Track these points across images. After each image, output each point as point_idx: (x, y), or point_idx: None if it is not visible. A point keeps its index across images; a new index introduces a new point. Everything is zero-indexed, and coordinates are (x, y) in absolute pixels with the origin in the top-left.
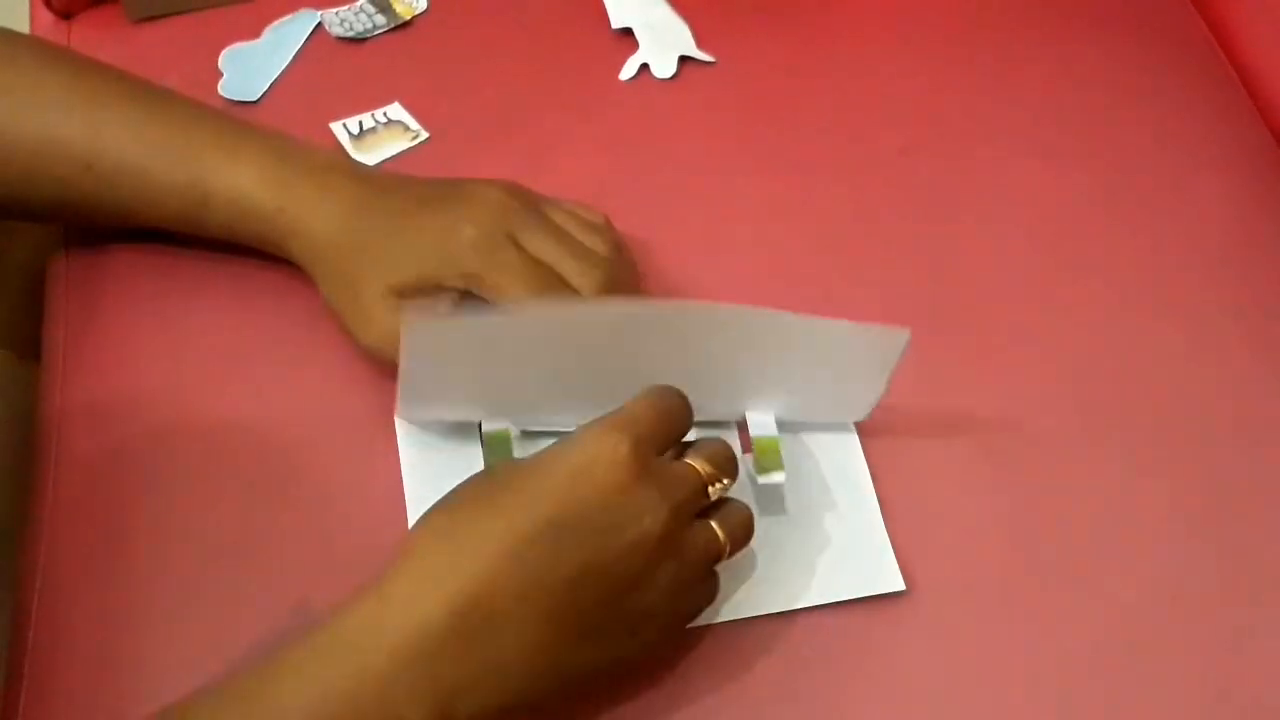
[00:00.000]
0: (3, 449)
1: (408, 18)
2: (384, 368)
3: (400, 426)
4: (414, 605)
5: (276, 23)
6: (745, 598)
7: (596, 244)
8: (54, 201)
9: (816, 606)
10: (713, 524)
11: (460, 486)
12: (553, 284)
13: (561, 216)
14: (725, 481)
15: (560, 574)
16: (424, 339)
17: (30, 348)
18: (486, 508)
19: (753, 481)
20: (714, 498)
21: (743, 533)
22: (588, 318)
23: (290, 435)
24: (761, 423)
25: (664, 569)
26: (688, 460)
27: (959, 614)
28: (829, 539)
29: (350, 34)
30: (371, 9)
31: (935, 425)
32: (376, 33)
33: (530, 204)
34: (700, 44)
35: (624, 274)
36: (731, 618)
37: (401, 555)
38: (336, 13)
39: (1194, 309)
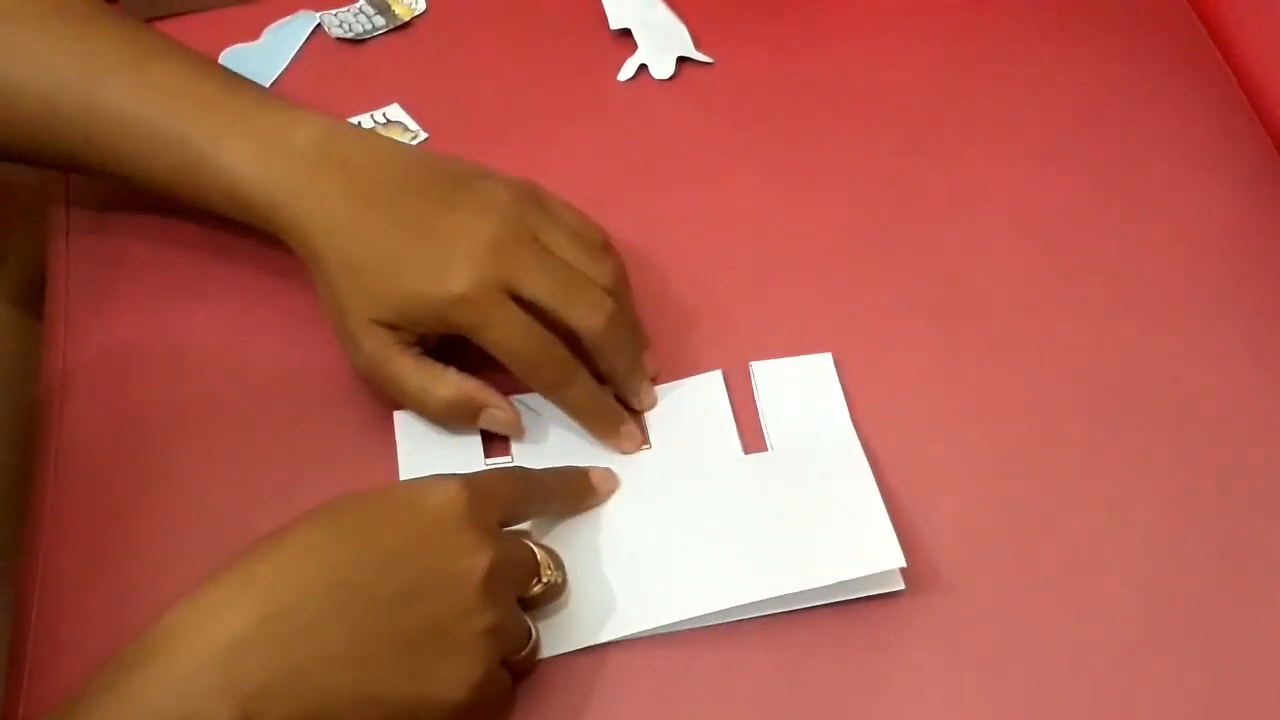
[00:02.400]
0: (10, 443)
1: (407, 19)
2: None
3: (399, 425)
4: (224, 609)
5: (276, 24)
6: (748, 582)
7: (599, 273)
8: (61, 162)
9: (816, 607)
10: (527, 619)
11: (311, 508)
12: (542, 348)
13: (563, 239)
14: (558, 577)
15: (378, 592)
16: None
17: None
18: (316, 525)
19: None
20: (543, 580)
21: (536, 653)
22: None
23: (291, 434)
24: None
25: (479, 618)
26: (528, 543)
27: (959, 612)
28: (826, 521)
29: (349, 35)
30: (370, 10)
31: (935, 425)
32: (375, 34)
33: (528, 229)
34: (699, 45)
35: (623, 303)
36: (736, 603)
37: (223, 566)
38: (335, 14)
39: (1193, 308)
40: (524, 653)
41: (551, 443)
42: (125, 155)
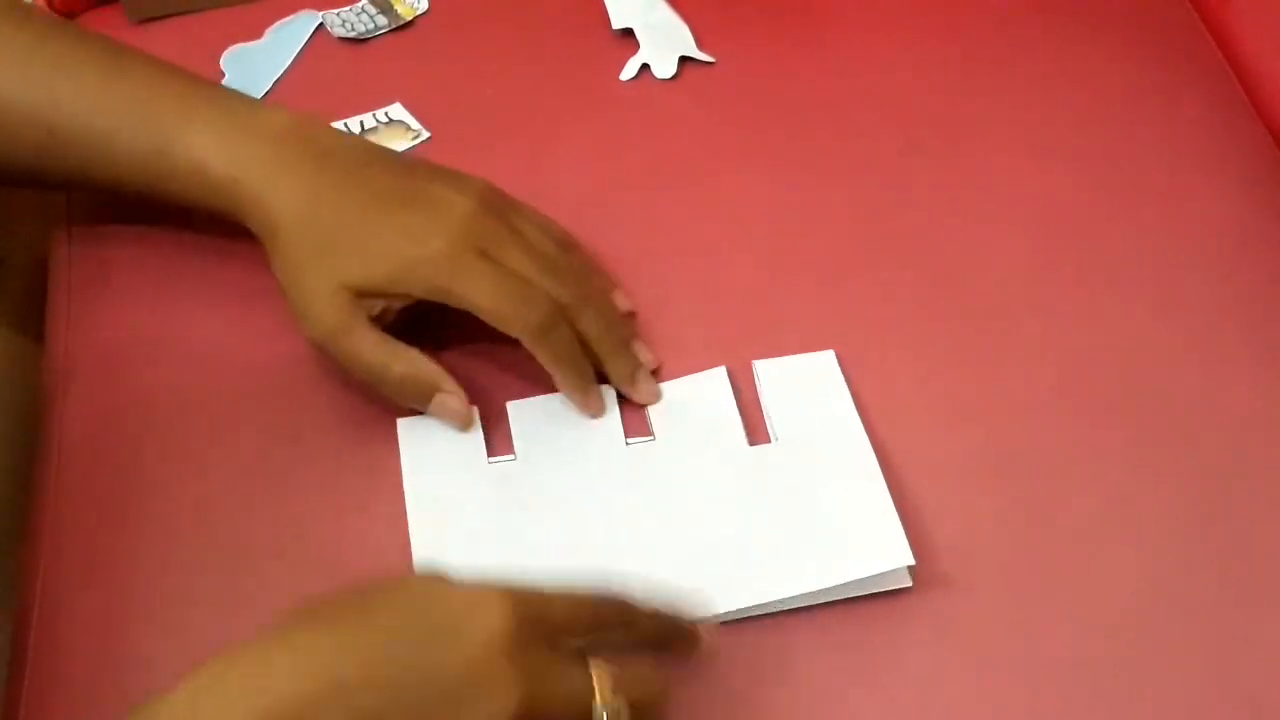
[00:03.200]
0: (10, 444)
1: (409, 18)
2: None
3: (401, 425)
4: (226, 711)
5: (278, 24)
6: (754, 583)
7: (568, 262)
8: (17, 165)
9: (818, 605)
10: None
11: (335, 593)
12: (525, 293)
13: (531, 230)
14: (621, 710)
15: (370, 703)
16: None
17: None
18: (337, 631)
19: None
20: (599, 715)
21: None
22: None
23: (291, 433)
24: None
25: None
26: (591, 663)
27: (961, 610)
28: (834, 519)
29: (352, 34)
30: (373, 10)
31: (936, 423)
32: (378, 33)
33: (501, 214)
34: (701, 44)
35: (596, 291)
36: (744, 604)
37: (233, 681)
38: (338, 13)
39: (1195, 308)
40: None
41: (560, 443)
42: (91, 148)
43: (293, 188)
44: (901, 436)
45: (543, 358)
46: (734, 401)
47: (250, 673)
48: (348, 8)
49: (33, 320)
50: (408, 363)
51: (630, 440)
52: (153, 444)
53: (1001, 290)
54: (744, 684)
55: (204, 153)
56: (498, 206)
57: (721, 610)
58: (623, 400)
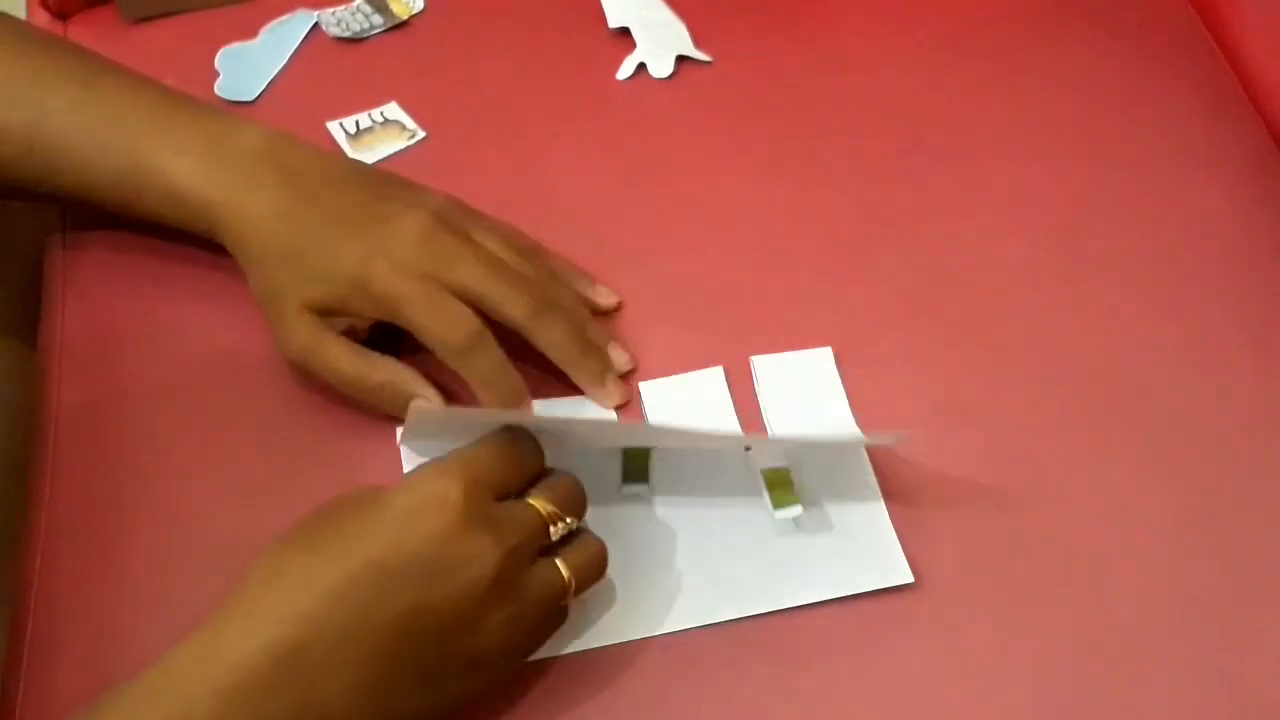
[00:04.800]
0: (7, 443)
1: (405, 17)
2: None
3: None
4: (238, 647)
5: (273, 23)
6: (751, 595)
7: (527, 268)
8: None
9: (817, 603)
10: (557, 562)
11: (300, 521)
12: (451, 315)
13: (491, 241)
14: (569, 520)
15: (384, 616)
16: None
17: (31, 333)
18: (315, 549)
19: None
20: (556, 537)
21: (593, 570)
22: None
23: (287, 432)
24: (770, 453)
25: (498, 613)
26: (529, 500)
27: (960, 611)
28: (834, 534)
29: (347, 34)
30: (368, 9)
31: (933, 423)
32: (373, 32)
33: (457, 228)
34: (698, 44)
35: (561, 297)
36: (738, 615)
37: (231, 594)
38: (333, 12)
39: (1193, 307)
40: (569, 597)
41: (554, 446)
42: (68, 164)
43: (262, 208)
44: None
45: (467, 378)
46: (730, 402)
47: (207, 647)
48: (343, 7)
49: (29, 324)
50: (383, 371)
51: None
52: (148, 443)
53: (999, 289)
54: (742, 686)
55: (178, 175)
56: (454, 221)
57: (715, 619)
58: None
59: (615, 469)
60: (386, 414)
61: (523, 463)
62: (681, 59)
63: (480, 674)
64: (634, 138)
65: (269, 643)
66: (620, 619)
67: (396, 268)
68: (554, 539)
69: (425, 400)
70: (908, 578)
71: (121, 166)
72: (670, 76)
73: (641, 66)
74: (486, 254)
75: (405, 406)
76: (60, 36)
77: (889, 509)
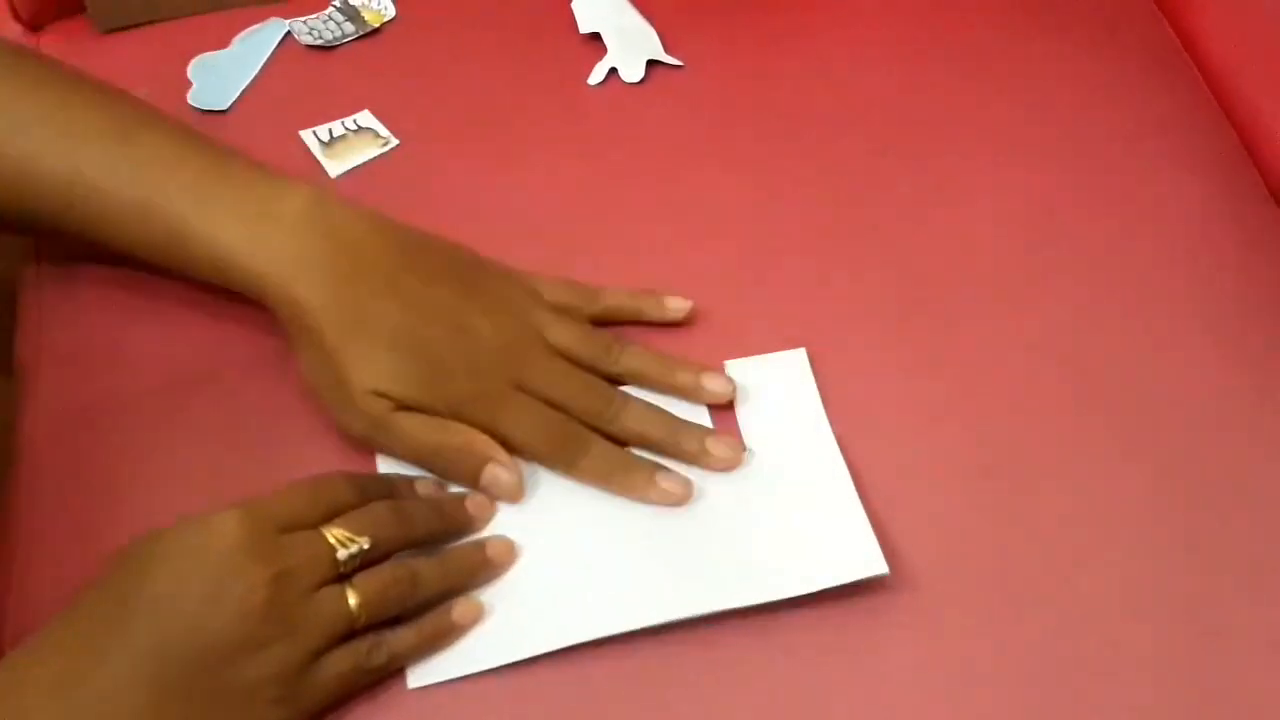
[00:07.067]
0: None
1: (376, 25)
2: None
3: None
4: (20, 686)
5: (245, 32)
6: (721, 590)
7: (611, 363)
8: (36, 228)
9: (797, 599)
10: (346, 589)
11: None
12: (558, 432)
13: (561, 334)
14: (361, 545)
15: (149, 644)
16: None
17: (6, 361)
18: (105, 589)
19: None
20: (344, 558)
21: (389, 597)
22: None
23: (266, 443)
24: None
25: (278, 642)
26: (321, 528)
27: (938, 610)
28: (805, 526)
29: (319, 42)
30: (340, 17)
31: (912, 422)
32: (345, 41)
33: (533, 335)
34: (668, 48)
35: (627, 372)
36: (707, 610)
37: (34, 632)
38: (305, 21)
39: (1166, 304)
40: (357, 625)
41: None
42: (108, 225)
43: (324, 288)
44: (877, 434)
45: (591, 483)
46: (706, 408)
47: (36, 652)
48: (315, 15)
49: (3, 354)
50: (459, 435)
51: None
52: (125, 455)
53: (974, 288)
54: (721, 687)
55: (223, 244)
56: (529, 325)
57: (691, 614)
58: None
59: None
60: (455, 480)
61: (317, 496)
62: (652, 63)
63: (279, 710)
64: (606, 142)
65: (57, 678)
66: (576, 616)
67: (485, 382)
68: (343, 560)
69: (502, 469)
70: (882, 568)
71: (163, 233)
72: (641, 81)
73: (613, 71)
74: (559, 358)
75: (477, 473)
76: (94, 80)
77: (867, 502)
